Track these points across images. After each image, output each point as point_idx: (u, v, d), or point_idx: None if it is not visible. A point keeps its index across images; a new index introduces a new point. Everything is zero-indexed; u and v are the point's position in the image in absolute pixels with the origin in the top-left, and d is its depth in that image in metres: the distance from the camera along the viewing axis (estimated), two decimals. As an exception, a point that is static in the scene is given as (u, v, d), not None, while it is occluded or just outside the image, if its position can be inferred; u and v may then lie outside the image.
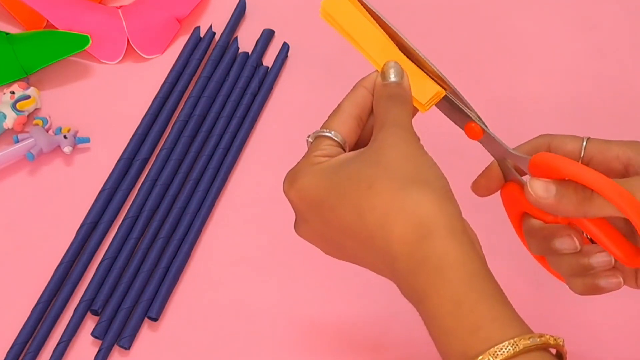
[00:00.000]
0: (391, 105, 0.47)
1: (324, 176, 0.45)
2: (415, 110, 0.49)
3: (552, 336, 0.42)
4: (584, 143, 0.50)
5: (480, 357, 0.40)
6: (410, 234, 0.43)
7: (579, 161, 0.50)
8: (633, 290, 0.53)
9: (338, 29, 0.51)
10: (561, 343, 0.42)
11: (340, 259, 0.48)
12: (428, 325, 0.43)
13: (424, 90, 0.49)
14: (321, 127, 0.48)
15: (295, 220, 0.49)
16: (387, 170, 0.44)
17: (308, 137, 0.48)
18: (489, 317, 0.41)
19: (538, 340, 0.41)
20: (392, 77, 0.48)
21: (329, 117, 0.48)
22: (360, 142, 0.49)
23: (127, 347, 0.61)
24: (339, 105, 0.49)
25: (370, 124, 0.49)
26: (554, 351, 0.42)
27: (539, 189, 0.46)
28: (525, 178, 0.48)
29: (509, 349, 0.40)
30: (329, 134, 0.47)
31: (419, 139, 0.46)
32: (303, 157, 0.47)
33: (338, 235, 0.46)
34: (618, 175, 0.49)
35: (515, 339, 0.40)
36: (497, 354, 0.40)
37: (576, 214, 0.46)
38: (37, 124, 0.70)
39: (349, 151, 0.47)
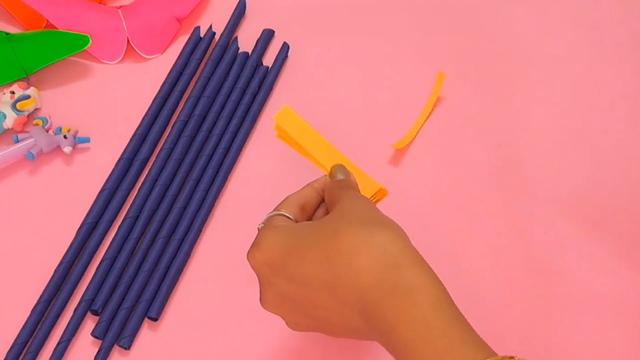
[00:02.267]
0: (345, 190, 0.51)
1: (287, 234, 0.48)
2: None
3: (520, 358, 0.43)
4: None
5: None
6: (378, 264, 0.45)
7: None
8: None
9: (289, 141, 0.57)
10: None
11: (306, 327, 0.50)
12: (398, 353, 0.44)
13: (368, 187, 0.55)
14: (271, 211, 0.52)
15: (260, 293, 0.51)
16: (350, 218, 0.47)
17: (259, 225, 0.52)
18: (458, 340, 0.43)
19: None
20: (340, 176, 0.53)
21: (279, 203, 0.53)
22: None
23: (127, 347, 0.61)
24: (290, 195, 0.53)
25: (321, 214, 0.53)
26: None
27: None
28: None
29: None
30: (282, 212, 0.51)
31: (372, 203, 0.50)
32: (261, 230, 0.50)
33: (304, 290, 0.48)
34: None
35: None
36: None
37: None
38: (37, 124, 0.70)
39: None
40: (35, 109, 0.72)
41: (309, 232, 0.48)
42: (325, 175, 0.54)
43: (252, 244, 0.50)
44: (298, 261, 0.47)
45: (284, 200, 0.53)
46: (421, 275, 0.44)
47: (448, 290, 0.45)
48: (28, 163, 0.70)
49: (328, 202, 0.52)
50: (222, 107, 0.73)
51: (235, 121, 0.72)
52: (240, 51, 0.76)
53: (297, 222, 0.51)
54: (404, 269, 0.44)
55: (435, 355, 0.42)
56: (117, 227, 0.67)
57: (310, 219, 0.53)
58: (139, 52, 0.76)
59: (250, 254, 0.50)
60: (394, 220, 0.48)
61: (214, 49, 0.76)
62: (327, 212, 0.53)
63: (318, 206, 0.54)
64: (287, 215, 0.51)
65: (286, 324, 0.52)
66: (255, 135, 0.73)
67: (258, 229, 0.52)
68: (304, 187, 0.54)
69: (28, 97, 0.71)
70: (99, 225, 0.66)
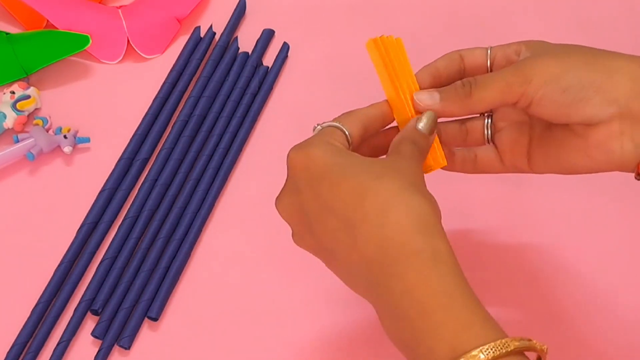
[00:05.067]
0: (413, 148, 0.49)
1: (337, 155, 0.46)
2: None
3: (538, 342, 0.42)
4: (489, 51, 0.54)
5: (473, 353, 0.40)
6: (408, 224, 0.43)
7: (486, 63, 0.54)
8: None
9: (379, 61, 0.52)
10: (545, 350, 0.43)
11: (309, 246, 0.49)
12: (405, 318, 0.43)
13: (435, 157, 0.52)
14: (332, 120, 0.50)
15: (282, 190, 0.49)
16: (397, 172, 0.46)
17: (317, 125, 0.49)
18: (480, 316, 0.42)
19: (527, 343, 0.42)
20: (426, 128, 0.50)
21: (343, 114, 0.50)
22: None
23: (127, 347, 0.61)
24: (356, 109, 0.51)
25: (365, 150, 0.51)
26: (535, 356, 0.43)
27: (426, 98, 0.51)
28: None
29: (501, 349, 0.40)
30: (342, 127, 0.49)
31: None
32: (312, 136, 0.49)
33: (325, 214, 0.46)
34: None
35: (507, 340, 0.41)
36: (489, 352, 0.40)
37: (463, 112, 0.51)
38: (37, 124, 0.70)
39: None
40: (35, 109, 0.72)
41: (360, 164, 0.46)
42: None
43: (302, 143, 0.48)
44: (335, 184, 0.45)
45: (350, 112, 0.50)
46: (447, 248, 0.44)
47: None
48: (28, 163, 0.70)
49: (397, 145, 0.49)
50: (222, 107, 0.73)
51: (235, 121, 0.72)
52: (240, 51, 0.76)
53: (352, 144, 0.49)
54: (431, 237, 0.43)
55: (455, 327, 0.41)
56: (117, 227, 0.67)
57: (364, 141, 0.51)
58: (139, 52, 0.76)
59: (294, 151, 0.48)
60: (434, 197, 0.47)
61: (214, 49, 0.76)
62: (382, 148, 0.52)
63: (375, 134, 0.51)
64: (346, 132, 0.49)
65: (292, 234, 0.50)
66: (255, 135, 0.73)
67: (315, 127, 0.50)
68: (375, 106, 0.51)
69: (28, 97, 0.71)
70: (99, 225, 0.66)
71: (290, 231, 0.50)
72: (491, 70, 0.54)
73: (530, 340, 0.42)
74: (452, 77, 0.53)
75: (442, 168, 0.53)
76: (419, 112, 0.51)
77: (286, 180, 0.49)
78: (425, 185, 0.47)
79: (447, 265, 0.43)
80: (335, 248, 0.46)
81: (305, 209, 0.47)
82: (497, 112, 0.55)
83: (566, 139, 0.51)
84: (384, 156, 0.50)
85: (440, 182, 0.54)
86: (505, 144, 0.54)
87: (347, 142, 0.49)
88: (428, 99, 0.51)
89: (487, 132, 0.55)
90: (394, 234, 0.43)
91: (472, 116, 0.55)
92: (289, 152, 0.48)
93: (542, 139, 0.53)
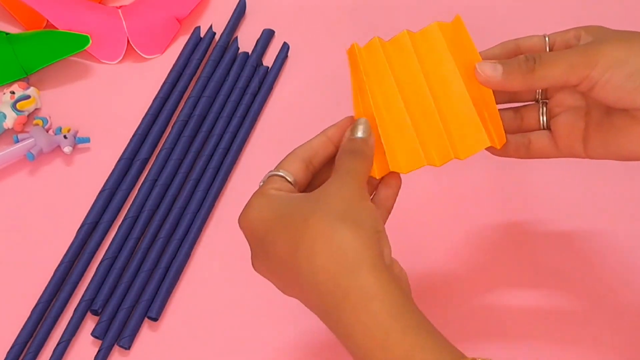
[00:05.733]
0: (350, 159, 0.49)
1: (271, 209, 0.47)
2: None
3: (484, 359, 0.42)
4: (547, 38, 0.54)
5: None
6: (333, 266, 0.43)
7: (543, 48, 0.53)
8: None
9: (353, 70, 0.52)
10: None
11: (291, 295, 0.49)
12: (357, 358, 0.43)
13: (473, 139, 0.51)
14: (274, 169, 0.50)
15: (251, 252, 0.50)
16: (323, 207, 0.45)
17: (261, 182, 0.50)
18: (418, 345, 0.42)
19: None
20: (360, 134, 0.50)
21: (284, 159, 0.50)
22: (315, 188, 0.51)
23: (127, 347, 0.61)
24: (297, 147, 0.50)
25: (328, 174, 0.50)
26: None
27: (488, 69, 0.50)
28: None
29: None
30: (280, 173, 0.49)
31: (365, 190, 0.48)
32: (255, 193, 0.49)
33: (279, 269, 0.47)
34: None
35: None
36: None
37: (524, 86, 0.50)
38: (37, 124, 0.70)
39: (300, 190, 0.49)
40: (35, 109, 0.72)
41: (290, 211, 0.46)
42: (346, 121, 0.51)
43: (245, 206, 0.49)
44: (273, 241, 0.46)
45: (289, 154, 0.50)
46: (377, 281, 0.43)
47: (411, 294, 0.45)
48: (28, 163, 0.70)
49: (336, 162, 0.49)
50: (222, 107, 0.73)
51: (235, 121, 0.72)
52: (240, 51, 0.76)
53: (297, 183, 0.49)
54: (358, 274, 0.43)
55: None
56: (117, 227, 0.67)
57: (317, 173, 0.51)
58: (139, 52, 0.76)
59: (240, 218, 0.49)
60: (373, 214, 0.46)
61: (214, 49, 0.76)
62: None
63: (330, 158, 0.50)
64: (286, 177, 0.49)
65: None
66: (255, 135, 0.73)
67: (260, 186, 0.50)
68: (316, 136, 0.51)
69: (28, 97, 0.71)
70: (99, 225, 0.66)
71: None
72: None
73: (474, 359, 0.42)
74: None
75: (495, 153, 0.53)
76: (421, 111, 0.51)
77: (249, 244, 0.49)
78: (358, 201, 0.46)
79: (379, 299, 0.43)
80: (301, 295, 0.47)
81: (266, 266, 0.48)
82: (553, 99, 0.55)
83: (626, 124, 0.51)
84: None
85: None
86: (562, 130, 0.54)
87: (291, 184, 0.49)
88: (491, 70, 0.50)
89: (543, 118, 0.55)
90: (325, 280, 0.44)
91: (526, 103, 0.56)
92: (238, 222, 0.49)
93: (600, 124, 0.53)
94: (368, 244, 0.44)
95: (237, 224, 0.68)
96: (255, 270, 0.50)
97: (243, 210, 0.48)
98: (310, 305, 0.46)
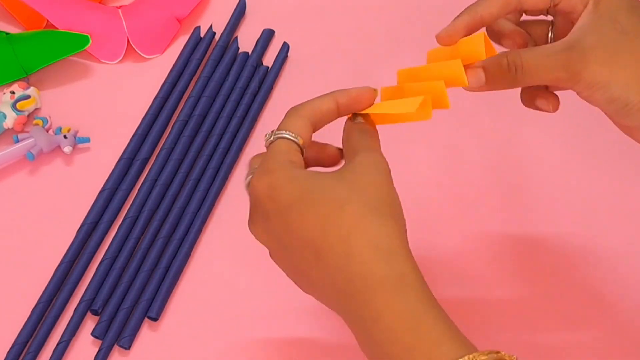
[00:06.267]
0: (363, 135, 0.49)
1: (299, 182, 0.46)
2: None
3: (507, 354, 0.43)
4: None
5: None
6: (370, 254, 0.44)
7: (549, 5, 0.52)
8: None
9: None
10: (515, 359, 0.43)
11: (284, 268, 0.48)
12: (377, 343, 0.43)
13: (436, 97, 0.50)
14: (280, 128, 0.48)
15: (251, 215, 0.48)
16: (360, 195, 0.45)
17: (267, 135, 0.48)
18: (448, 334, 0.43)
19: (495, 355, 0.42)
20: (360, 118, 0.50)
21: (289, 116, 0.48)
22: (319, 162, 0.50)
23: (127, 347, 0.61)
24: (301, 106, 0.49)
25: (332, 151, 0.50)
26: None
27: (472, 78, 0.50)
28: None
29: None
30: (294, 139, 0.48)
31: (389, 167, 0.47)
32: (269, 156, 0.47)
33: (296, 243, 0.46)
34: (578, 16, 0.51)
35: (475, 354, 0.42)
36: None
37: (510, 87, 0.51)
38: (37, 124, 0.70)
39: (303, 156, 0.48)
40: (35, 109, 0.72)
41: (322, 192, 0.45)
42: (355, 91, 0.49)
43: (262, 170, 0.47)
44: (300, 216, 0.45)
45: (298, 113, 0.48)
46: (412, 270, 0.44)
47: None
48: (28, 163, 0.70)
49: (347, 141, 0.49)
50: (222, 107, 0.73)
51: (235, 121, 0.72)
52: (240, 51, 0.76)
53: (304, 149, 0.48)
54: (397, 262, 0.44)
55: (426, 348, 0.42)
56: (117, 227, 0.67)
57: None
58: (139, 52, 0.76)
59: (257, 180, 0.46)
60: (399, 202, 0.46)
61: (214, 49, 0.76)
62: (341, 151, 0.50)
63: (329, 124, 0.49)
64: (297, 142, 0.47)
65: (269, 253, 0.49)
66: (255, 135, 0.73)
67: (265, 140, 0.48)
68: (323, 98, 0.49)
69: (28, 97, 0.71)
70: (99, 225, 0.66)
71: None
72: (552, 16, 0.53)
73: (498, 352, 0.42)
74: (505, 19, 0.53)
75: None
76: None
77: (253, 206, 0.48)
78: (388, 190, 0.46)
79: (412, 288, 0.43)
80: (309, 274, 0.46)
81: (278, 236, 0.47)
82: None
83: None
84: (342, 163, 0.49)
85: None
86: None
87: (302, 151, 0.48)
88: (474, 81, 0.50)
89: (551, 34, 0.55)
90: (359, 265, 0.44)
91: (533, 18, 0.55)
92: (251, 181, 0.47)
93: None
94: (402, 236, 0.45)
95: (237, 224, 0.68)
96: (253, 232, 0.48)
97: (261, 172, 0.46)
98: (324, 283, 0.45)
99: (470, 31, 0.52)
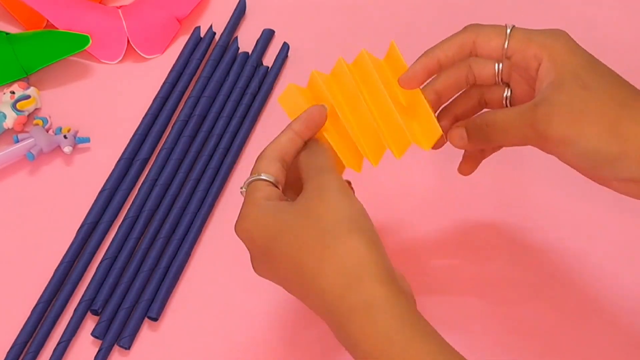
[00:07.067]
0: (311, 157, 0.50)
1: (269, 222, 0.47)
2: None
3: None
4: (508, 35, 0.52)
5: None
6: (338, 282, 0.45)
7: (501, 56, 0.53)
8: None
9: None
10: None
11: (296, 297, 0.50)
12: None
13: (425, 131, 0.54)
14: (251, 174, 0.50)
15: (251, 259, 0.50)
16: (319, 223, 0.46)
17: (241, 188, 0.50)
18: (423, 351, 0.43)
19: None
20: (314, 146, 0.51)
21: (256, 162, 0.50)
22: (290, 185, 0.51)
23: (127, 347, 0.61)
24: (264, 149, 0.51)
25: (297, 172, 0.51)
26: None
27: (455, 138, 0.54)
28: None
29: None
30: (264, 177, 0.49)
31: (342, 182, 0.48)
32: (244, 202, 0.49)
33: (283, 280, 0.48)
34: (534, 72, 0.52)
35: None
36: None
37: (486, 145, 0.55)
38: (37, 124, 0.70)
39: (282, 189, 0.50)
40: (35, 109, 0.72)
41: (291, 224, 0.47)
42: (305, 113, 0.52)
43: (239, 215, 0.49)
44: (279, 253, 0.47)
45: (262, 155, 0.50)
46: (382, 292, 0.44)
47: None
48: (28, 163, 0.70)
49: (299, 164, 0.50)
50: (222, 107, 0.73)
51: (235, 121, 0.72)
52: (240, 51, 0.76)
53: (279, 183, 0.49)
54: (363, 286, 0.44)
55: None
56: (117, 227, 0.67)
57: (289, 167, 0.51)
58: (139, 52, 0.76)
59: (237, 228, 0.49)
60: (367, 215, 0.47)
61: (214, 49, 0.76)
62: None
63: (299, 152, 0.51)
64: (271, 180, 0.49)
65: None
66: (255, 135, 0.73)
67: (241, 192, 0.50)
68: (283, 133, 0.51)
69: (28, 97, 0.71)
70: (99, 225, 0.66)
71: None
72: (502, 74, 0.54)
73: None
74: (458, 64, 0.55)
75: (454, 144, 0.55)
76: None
77: (248, 249, 0.50)
78: (352, 214, 0.47)
79: (383, 311, 0.44)
80: (305, 302, 0.48)
81: (273, 272, 0.49)
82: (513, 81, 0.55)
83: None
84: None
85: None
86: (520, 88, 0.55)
87: (276, 186, 0.49)
88: (458, 139, 0.54)
89: (506, 94, 0.56)
90: (331, 296, 0.45)
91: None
92: (235, 228, 0.49)
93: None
94: (373, 254, 0.45)
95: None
96: (257, 274, 0.51)
97: (238, 220, 0.49)
98: (318, 314, 0.47)
99: (429, 73, 0.54)
